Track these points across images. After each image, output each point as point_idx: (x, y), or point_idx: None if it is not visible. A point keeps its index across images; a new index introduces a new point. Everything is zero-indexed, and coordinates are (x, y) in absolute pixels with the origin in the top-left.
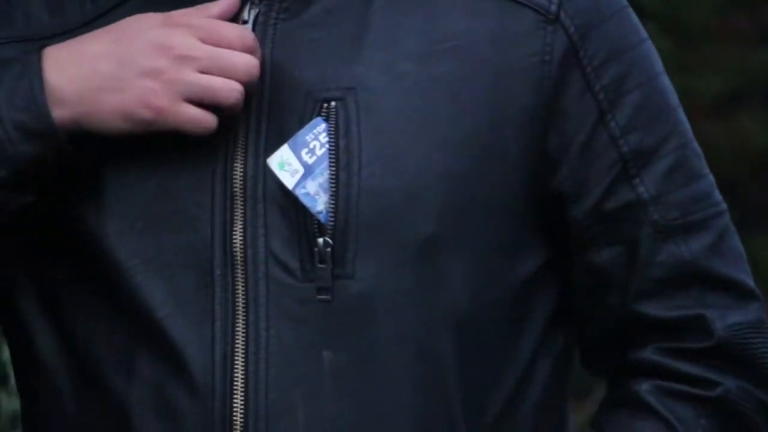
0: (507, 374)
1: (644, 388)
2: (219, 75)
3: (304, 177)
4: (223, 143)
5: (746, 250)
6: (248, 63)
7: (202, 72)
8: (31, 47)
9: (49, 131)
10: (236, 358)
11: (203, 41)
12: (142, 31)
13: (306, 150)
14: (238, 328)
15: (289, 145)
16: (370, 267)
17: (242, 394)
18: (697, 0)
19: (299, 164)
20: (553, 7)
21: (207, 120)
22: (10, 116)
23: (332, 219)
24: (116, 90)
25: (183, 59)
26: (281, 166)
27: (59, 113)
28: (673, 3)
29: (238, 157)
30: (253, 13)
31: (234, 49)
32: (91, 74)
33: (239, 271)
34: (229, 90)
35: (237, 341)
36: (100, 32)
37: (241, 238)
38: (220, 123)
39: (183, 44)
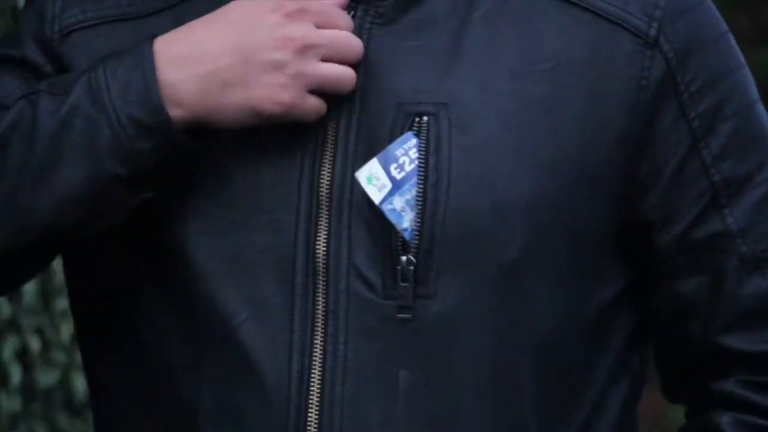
0: (583, 398)
1: (725, 420)
2: (337, 61)
3: (392, 192)
4: (311, 149)
5: None
6: (359, 45)
7: (323, 59)
8: (125, 29)
9: (165, 126)
10: (313, 370)
11: (320, 27)
12: (259, 20)
13: (395, 165)
14: (316, 341)
15: (378, 159)
16: (451, 288)
17: (317, 407)
18: None
19: (387, 179)
20: (653, 31)
21: (323, 108)
22: (126, 112)
23: (417, 237)
24: (242, 86)
25: (306, 49)
26: (369, 180)
27: (178, 113)
28: None
29: (326, 164)
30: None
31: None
32: (215, 71)
33: (320, 281)
34: (348, 78)
35: (315, 353)
36: (213, 22)
37: (324, 248)
38: (309, 127)
39: (305, 34)
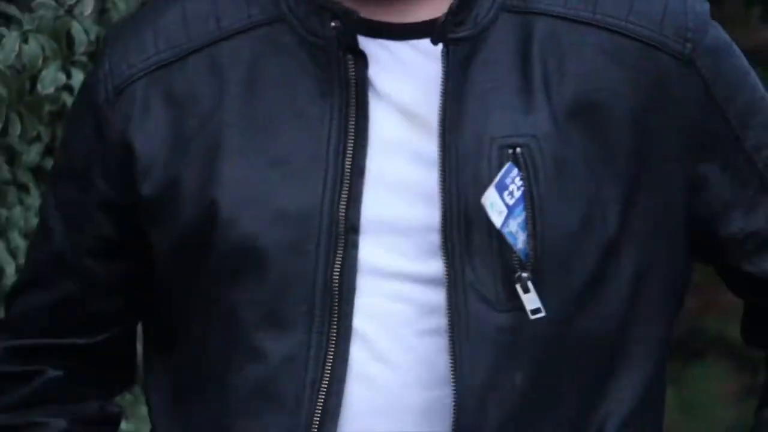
0: (632, 387)
1: None
2: None
3: (507, 217)
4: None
5: None
6: None
7: None
8: (168, 73)
9: None
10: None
11: None
12: None
13: (507, 192)
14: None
15: (495, 187)
16: (553, 300)
17: (455, 407)
18: None
19: (503, 205)
20: (687, 51)
21: None
22: None
23: (531, 256)
24: None
25: None
26: (492, 206)
27: None
28: None
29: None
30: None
31: None
32: None
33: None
34: None
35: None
36: None
37: (446, 266)
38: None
39: None
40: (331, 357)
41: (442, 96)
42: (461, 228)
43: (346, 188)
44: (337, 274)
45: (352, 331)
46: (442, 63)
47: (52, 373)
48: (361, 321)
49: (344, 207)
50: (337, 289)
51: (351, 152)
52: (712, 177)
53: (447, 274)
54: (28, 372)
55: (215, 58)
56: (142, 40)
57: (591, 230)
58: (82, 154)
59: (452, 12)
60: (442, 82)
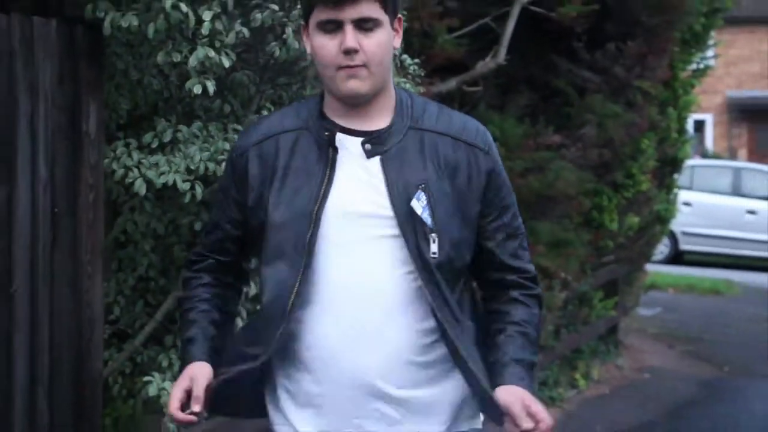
0: (455, 295)
1: (514, 294)
2: None
3: (423, 210)
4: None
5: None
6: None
7: None
8: (268, 143)
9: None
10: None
11: None
12: None
13: (420, 202)
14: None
15: (416, 198)
16: (444, 247)
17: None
18: (514, 132)
19: (420, 207)
20: (486, 148)
21: None
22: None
23: (433, 228)
24: None
25: None
26: (416, 207)
27: None
28: (505, 133)
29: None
30: (367, 147)
31: None
32: None
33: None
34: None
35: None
36: None
37: (399, 235)
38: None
39: None
40: (302, 268)
41: (386, 169)
42: (407, 216)
43: (320, 202)
44: (310, 237)
45: (313, 263)
46: (382, 159)
47: (206, 278)
48: (315, 258)
49: (318, 209)
50: (307, 246)
51: (324, 186)
52: (486, 201)
53: (403, 237)
54: (202, 259)
55: (280, 140)
56: (251, 134)
57: (457, 219)
58: (227, 180)
59: (385, 132)
60: (386, 165)
